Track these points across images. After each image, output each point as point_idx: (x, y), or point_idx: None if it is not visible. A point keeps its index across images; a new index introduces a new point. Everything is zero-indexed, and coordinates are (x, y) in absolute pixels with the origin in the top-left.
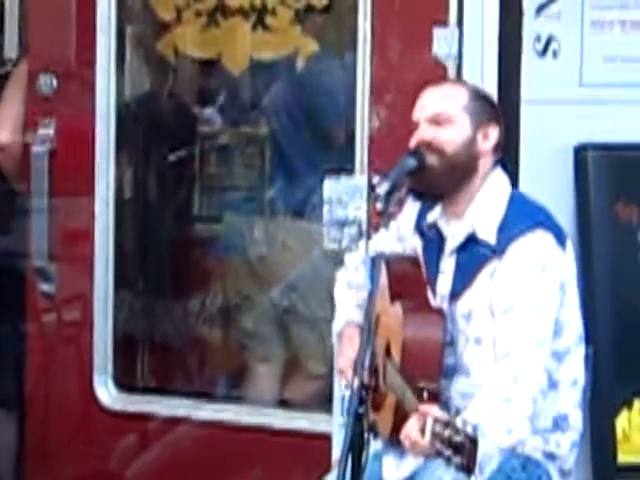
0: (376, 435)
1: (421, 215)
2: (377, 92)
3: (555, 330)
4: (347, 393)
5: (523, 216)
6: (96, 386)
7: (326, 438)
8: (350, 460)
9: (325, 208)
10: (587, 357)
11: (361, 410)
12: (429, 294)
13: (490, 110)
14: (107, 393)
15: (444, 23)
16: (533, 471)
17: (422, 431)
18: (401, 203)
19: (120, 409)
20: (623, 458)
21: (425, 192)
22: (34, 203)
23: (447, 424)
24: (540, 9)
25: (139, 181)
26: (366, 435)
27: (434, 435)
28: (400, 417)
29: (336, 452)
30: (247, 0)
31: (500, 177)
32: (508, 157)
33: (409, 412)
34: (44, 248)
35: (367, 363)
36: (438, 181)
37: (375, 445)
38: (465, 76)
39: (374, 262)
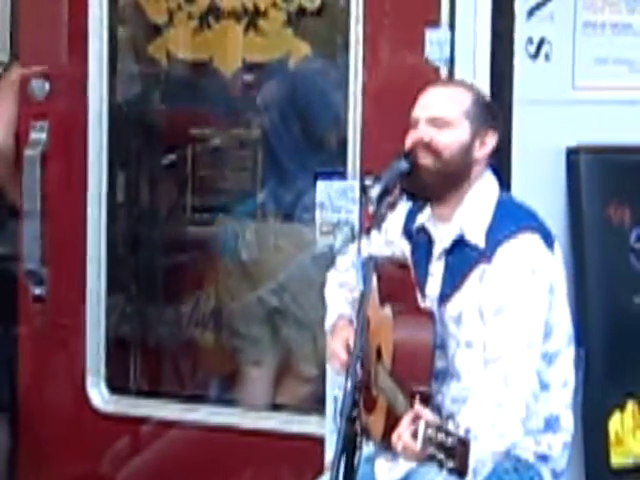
0: (368, 438)
1: (409, 218)
2: (369, 94)
3: (545, 332)
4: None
5: (511, 219)
6: (89, 389)
7: (318, 441)
8: (343, 463)
9: (317, 211)
10: (579, 359)
11: (354, 413)
12: (418, 297)
13: (490, 117)
14: (100, 396)
15: (436, 25)
16: (525, 473)
17: (414, 435)
18: (393, 206)
19: (112, 412)
20: (616, 460)
21: (417, 194)
22: (26, 206)
23: (439, 428)
24: (532, 11)
25: (131, 184)
26: (358, 438)
27: (426, 439)
28: (392, 420)
29: (329, 455)
30: (239, 3)
31: (489, 180)
32: (500, 160)
33: (400, 415)
34: (36, 251)
35: (359, 365)
36: (429, 183)
37: (367, 448)
38: (460, 79)
39: (365, 265)
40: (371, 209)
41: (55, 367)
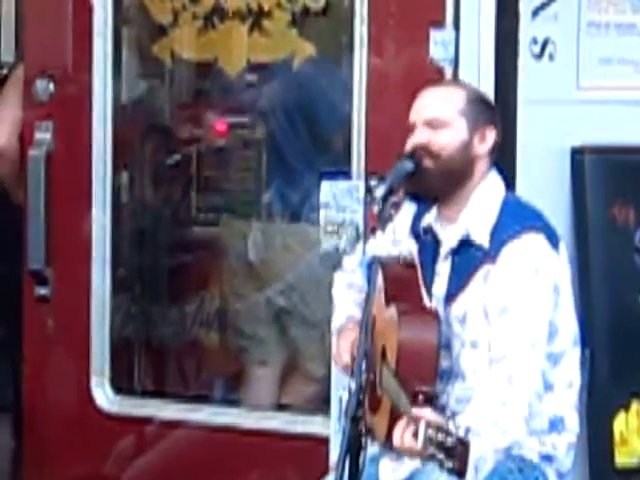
0: (373, 438)
1: (416, 219)
2: (374, 95)
3: (550, 332)
4: (345, 392)
5: (516, 219)
6: (93, 389)
7: (323, 441)
8: (347, 463)
9: (322, 211)
10: (584, 359)
11: (358, 413)
12: (424, 297)
13: (488, 112)
14: (104, 396)
15: (441, 26)
16: (530, 473)
17: (415, 435)
18: (398, 206)
19: (117, 412)
20: (620, 460)
21: (421, 195)
22: (31, 206)
23: (440, 428)
24: (536, 11)
25: (136, 184)
26: (363, 438)
27: (427, 439)
28: (395, 421)
29: (333, 455)
30: (244, 3)
31: (494, 180)
32: (505, 160)
33: (403, 416)
34: (41, 252)
35: (364, 366)
36: (434, 184)
37: (372, 448)
38: (462, 79)
39: (371, 265)
40: (376, 209)
41: (59, 367)
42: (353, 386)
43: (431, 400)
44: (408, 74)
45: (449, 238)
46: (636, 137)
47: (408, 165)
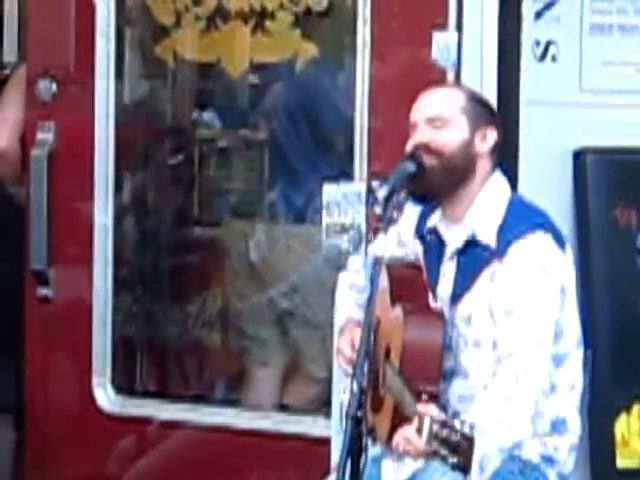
0: (375, 439)
1: (421, 220)
2: (376, 96)
3: (556, 334)
4: (346, 394)
5: (523, 218)
6: (95, 390)
7: (325, 442)
8: (349, 464)
9: (324, 213)
10: (586, 361)
11: (360, 414)
12: (430, 298)
13: (487, 113)
14: (106, 397)
15: (444, 28)
16: (531, 475)
17: (419, 431)
18: (400, 207)
19: (119, 413)
20: (622, 463)
21: (424, 195)
22: (33, 206)
23: (444, 424)
24: (539, 14)
25: (138, 184)
26: (364, 439)
27: (431, 434)
28: (398, 420)
29: (335, 456)
30: (246, 4)
31: (499, 181)
32: (507, 161)
33: (408, 415)
34: (43, 252)
35: (366, 367)
36: (436, 183)
37: (374, 449)
38: (464, 80)
39: (374, 266)
40: (378, 210)
41: (61, 367)
42: (355, 387)
43: (435, 399)
44: (411, 76)
45: (454, 238)
46: (639, 139)
47: (410, 166)
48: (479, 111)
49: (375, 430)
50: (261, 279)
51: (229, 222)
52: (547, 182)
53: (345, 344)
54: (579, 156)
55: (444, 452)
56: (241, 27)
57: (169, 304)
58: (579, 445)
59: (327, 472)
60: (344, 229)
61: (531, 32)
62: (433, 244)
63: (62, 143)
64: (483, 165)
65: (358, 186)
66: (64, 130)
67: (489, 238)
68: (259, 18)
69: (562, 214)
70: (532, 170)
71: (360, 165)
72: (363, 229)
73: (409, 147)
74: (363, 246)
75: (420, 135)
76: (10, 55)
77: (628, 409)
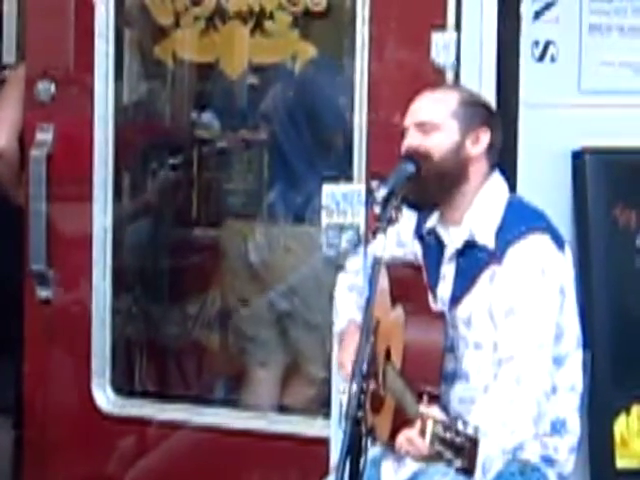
0: (374, 440)
1: (420, 220)
2: (375, 97)
3: (556, 335)
4: (344, 395)
5: (521, 219)
6: (94, 391)
7: (324, 442)
8: (348, 465)
9: (323, 213)
10: (585, 362)
11: (359, 414)
12: (430, 299)
13: (483, 114)
14: (105, 398)
15: (442, 28)
16: (532, 475)
17: (422, 433)
18: (399, 208)
19: (118, 414)
20: (621, 463)
21: (418, 201)
22: (32, 208)
23: (448, 426)
24: (538, 14)
25: (137, 185)
26: (364, 440)
27: (434, 437)
28: (399, 421)
29: (334, 457)
30: (245, 5)
31: (498, 182)
32: (506, 162)
33: (409, 416)
34: (42, 253)
35: (365, 368)
36: (429, 188)
37: (373, 450)
38: (463, 81)
39: (373, 267)
40: (377, 212)
41: (60, 368)
42: (354, 388)
43: (435, 401)
44: (410, 76)
45: (453, 240)
46: (638, 140)
47: (410, 167)
48: (472, 113)
49: (375, 431)
50: (260, 280)
51: (228, 223)
52: (546, 182)
53: (347, 359)
54: (578, 156)
55: (447, 454)
56: (240, 28)
57: (168, 305)
58: (579, 446)
59: (326, 473)
60: (343, 229)
61: (530, 32)
62: (432, 245)
63: (61, 144)
64: (478, 167)
65: (357, 186)
66: (63, 131)
67: (488, 240)
68: (258, 19)
69: (561, 215)
70: (531, 170)
71: (359, 165)
72: (362, 229)
73: (402, 152)
74: (362, 246)
75: (410, 140)
76: (9, 56)
77: (627, 410)
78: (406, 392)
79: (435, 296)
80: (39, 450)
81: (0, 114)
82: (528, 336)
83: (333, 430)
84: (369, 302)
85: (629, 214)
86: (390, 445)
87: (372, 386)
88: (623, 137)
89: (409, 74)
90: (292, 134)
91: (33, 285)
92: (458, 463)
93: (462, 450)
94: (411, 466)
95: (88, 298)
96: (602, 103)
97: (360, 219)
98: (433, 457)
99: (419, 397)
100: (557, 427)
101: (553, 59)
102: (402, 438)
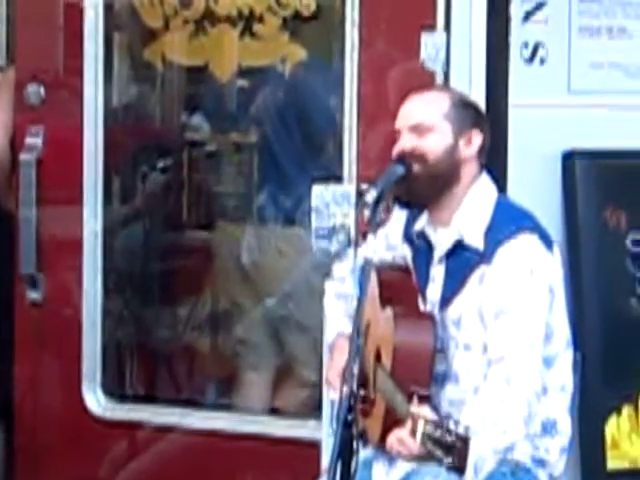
0: (366, 442)
1: (409, 223)
2: (365, 99)
3: (545, 335)
4: (336, 400)
5: (510, 220)
6: (85, 394)
7: (315, 445)
8: (339, 467)
9: (313, 215)
10: (576, 363)
11: (350, 417)
12: (419, 301)
13: (473, 116)
14: (96, 401)
15: (432, 30)
16: (523, 477)
17: (413, 433)
18: (389, 210)
19: (109, 417)
20: (612, 464)
21: (410, 201)
22: (22, 212)
23: (438, 425)
24: (527, 15)
25: (128, 189)
26: (355, 442)
27: (425, 436)
28: (390, 422)
29: (325, 459)
30: (235, 8)
31: (486, 183)
32: (496, 164)
33: (400, 416)
34: (32, 257)
35: (356, 370)
36: (421, 190)
37: (365, 452)
38: (453, 82)
39: (363, 270)
40: (367, 214)
41: (51, 372)
42: (345, 390)
43: (426, 402)
44: (399, 78)
45: (442, 242)
46: (628, 141)
47: (399, 169)
48: (464, 115)
49: (366, 433)
50: (252, 282)
51: (219, 226)
52: (536, 184)
53: (334, 375)
54: (568, 158)
55: (438, 453)
56: (229, 31)
57: (159, 308)
58: (570, 447)
59: (318, 475)
60: (333, 231)
61: (519, 34)
62: (422, 247)
63: (51, 147)
64: (469, 169)
65: (347, 188)
66: (53, 134)
67: (477, 241)
68: (247, 22)
69: (551, 216)
70: (521, 173)
71: (349, 167)
72: (352, 231)
73: (394, 154)
74: (352, 249)
75: (403, 142)
76: None
77: (618, 410)
78: (396, 393)
79: (425, 298)
80: (30, 454)
81: None
82: (518, 336)
83: (325, 433)
84: (360, 304)
85: (619, 215)
86: (381, 446)
87: (363, 389)
88: (613, 138)
89: (399, 76)
90: (282, 136)
91: (23, 288)
92: (449, 462)
93: (453, 449)
94: (402, 468)
95: (79, 301)
96: (592, 104)
97: (350, 221)
98: (424, 456)
99: (409, 398)
100: (548, 428)
101: (542, 60)
102: (393, 438)
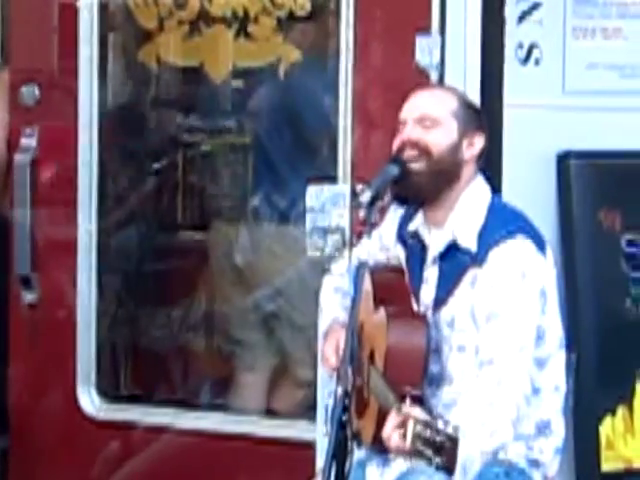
0: (360, 443)
1: (402, 224)
2: (360, 100)
3: (537, 337)
4: (330, 392)
5: (503, 222)
6: (79, 395)
7: (310, 446)
8: (334, 468)
9: (308, 216)
10: (570, 364)
11: (344, 418)
12: (413, 302)
13: (476, 119)
14: (90, 402)
15: (427, 31)
16: (517, 478)
17: (404, 434)
18: (383, 211)
19: (103, 418)
20: (607, 466)
21: (409, 197)
22: (17, 213)
23: (428, 425)
24: (522, 17)
25: (122, 190)
26: (350, 443)
27: (415, 436)
28: (382, 423)
29: (320, 460)
30: (229, 8)
31: (480, 185)
32: (491, 165)
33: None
34: (27, 258)
35: (350, 371)
36: (422, 185)
37: (359, 453)
38: (448, 83)
39: (357, 271)
40: (362, 214)
41: (46, 373)
42: (339, 391)
43: (419, 402)
44: (394, 79)
45: (436, 243)
46: (622, 142)
47: (394, 170)
48: (469, 117)
49: (360, 433)
50: (246, 282)
51: (214, 226)
52: (531, 185)
53: (330, 350)
54: (563, 159)
55: (428, 453)
56: (224, 31)
57: (154, 309)
58: (564, 448)
59: (312, 476)
60: (328, 232)
61: (514, 35)
62: (415, 249)
63: (45, 148)
64: (467, 170)
65: (342, 189)
66: (47, 135)
67: (470, 242)
68: (242, 22)
69: (546, 217)
70: (516, 174)
71: (344, 168)
72: (347, 232)
73: (396, 144)
74: (347, 249)
75: (408, 132)
76: None
77: (613, 412)
78: (388, 392)
79: (418, 299)
80: (25, 455)
81: None
82: (509, 339)
83: (319, 433)
84: (354, 305)
85: (613, 216)
86: (374, 447)
87: (356, 389)
88: (608, 139)
89: (393, 77)
90: (277, 137)
91: (18, 289)
92: (438, 461)
93: (442, 448)
94: (396, 468)
95: (73, 302)
96: (586, 105)
97: (345, 221)
98: (414, 455)
99: (402, 399)
100: (541, 428)
101: (537, 61)
102: (386, 432)
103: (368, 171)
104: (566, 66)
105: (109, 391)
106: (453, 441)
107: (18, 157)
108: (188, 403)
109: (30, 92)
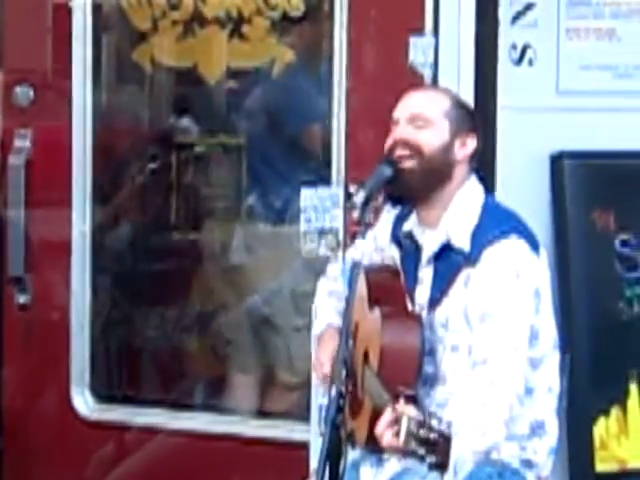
0: (354, 444)
1: (397, 225)
2: (353, 100)
3: (531, 337)
4: (324, 392)
5: (496, 222)
6: (73, 396)
7: (304, 447)
8: (327, 469)
9: (302, 217)
10: (564, 364)
11: (338, 419)
12: (408, 303)
13: (470, 120)
14: (84, 403)
15: (420, 32)
16: (510, 478)
17: (397, 433)
18: (377, 212)
19: (97, 419)
20: (601, 466)
21: (401, 197)
22: (10, 214)
23: (421, 423)
24: (516, 18)
25: (116, 191)
26: (344, 443)
27: (409, 434)
28: (376, 423)
29: (313, 461)
30: (223, 9)
31: (474, 185)
32: (485, 165)
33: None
34: (20, 259)
35: (344, 372)
36: (414, 185)
37: (352, 454)
38: (441, 84)
39: (352, 271)
40: (356, 216)
41: (39, 374)
42: (333, 392)
43: (413, 402)
44: (388, 80)
45: (430, 243)
46: (616, 142)
47: (387, 171)
48: (462, 118)
49: (354, 434)
50: (240, 284)
51: (207, 227)
52: (525, 186)
53: (325, 357)
54: (556, 160)
55: (422, 452)
56: (218, 32)
57: (147, 310)
58: (558, 449)
59: (306, 477)
60: (322, 233)
61: (508, 36)
62: (410, 249)
63: (39, 150)
64: (460, 171)
65: (335, 190)
66: (41, 137)
67: (463, 242)
68: (236, 23)
69: (540, 218)
70: (510, 174)
71: (338, 169)
72: (341, 233)
73: (388, 143)
74: (341, 250)
75: (400, 131)
76: None
77: (606, 413)
78: (382, 392)
79: (413, 299)
80: (18, 456)
81: None
82: (502, 340)
83: (313, 434)
84: (348, 305)
85: (607, 217)
86: (368, 447)
87: (351, 389)
88: (601, 140)
89: (387, 77)
90: (270, 138)
91: (12, 291)
92: (431, 460)
93: (435, 447)
94: (389, 470)
95: (67, 304)
96: (580, 106)
97: (338, 223)
98: (407, 453)
99: (396, 398)
100: (535, 429)
101: (531, 62)
102: (379, 429)
103: (362, 172)
104: (560, 67)
105: (103, 392)
106: (446, 439)
107: (12, 159)
108: (181, 404)
109: (24, 93)
